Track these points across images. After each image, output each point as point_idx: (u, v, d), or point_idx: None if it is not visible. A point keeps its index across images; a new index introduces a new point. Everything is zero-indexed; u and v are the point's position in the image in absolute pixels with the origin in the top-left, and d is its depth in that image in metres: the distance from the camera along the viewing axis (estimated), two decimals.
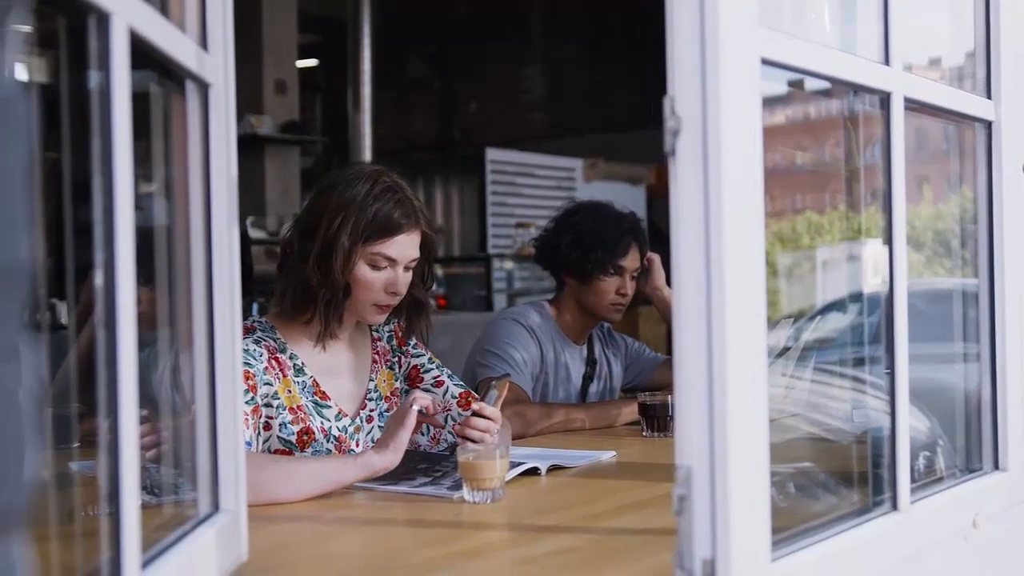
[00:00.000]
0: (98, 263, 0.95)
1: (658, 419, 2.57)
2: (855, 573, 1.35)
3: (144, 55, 1.06)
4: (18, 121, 0.54)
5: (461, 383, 2.35)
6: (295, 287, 2.14)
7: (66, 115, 1.00)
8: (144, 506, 1.02)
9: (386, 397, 2.29)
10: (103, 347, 0.95)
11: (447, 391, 2.30)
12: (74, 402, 1.27)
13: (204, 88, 1.29)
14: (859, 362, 1.82)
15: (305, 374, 2.16)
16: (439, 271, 7.53)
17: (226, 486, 1.33)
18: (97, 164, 0.94)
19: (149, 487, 1.29)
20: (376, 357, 2.30)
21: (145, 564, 1.03)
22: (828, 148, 1.95)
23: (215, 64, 1.30)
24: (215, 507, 1.32)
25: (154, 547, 1.11)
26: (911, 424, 1.50)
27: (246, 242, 6.11)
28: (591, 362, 3.06)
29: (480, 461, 1.80)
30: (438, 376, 2.33)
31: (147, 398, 1.17)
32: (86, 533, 1.22)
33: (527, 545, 1.56)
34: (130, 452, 0.97)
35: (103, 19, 0.94)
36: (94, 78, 0.95)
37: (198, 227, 1.30)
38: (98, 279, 0.95)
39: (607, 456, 2.27)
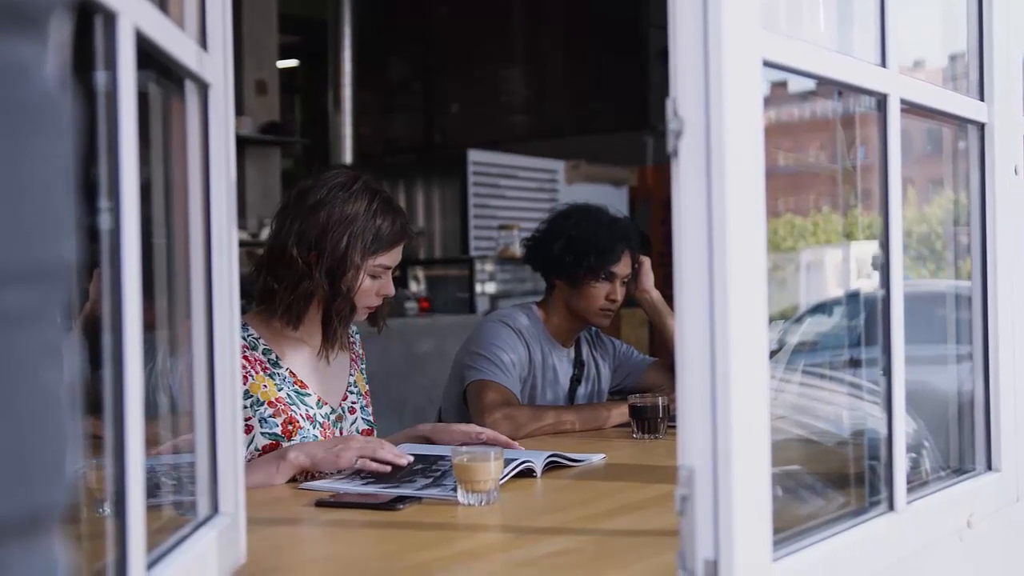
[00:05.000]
0: (104, 262, 0.94)
1: (649, 421, 2.57)
2: (854, 572, 1.36)
3: (144, 54, 1.06)
4: (64, 121, 0.53)
5: (370, 419, 2.40)
6: (299, 300, 2.16)
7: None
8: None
9: (364, 393, 2.38)
10: (109, 349, 0.94)
11: (355, 420, 2.35)
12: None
13: (204, 88, 1.28)
14: (847, 364, 1.83)
15: (281, 367, 2.21)
16: (420, 273, 7.52)
17: (225, 489, 1.32)
18: (104, 163, 0.93)
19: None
20: (353, 356, 2.39)
21: (147, 567, 1.02)
22: (810, 150, 1.96)
23: (215, 64, 1.30)
24: (214, 509, 1.31)
25: (155, 550, 1.10)
26: None
27: None
28: (579, 364, 3.05)
29: (475, 463, 1.80)
30: (364, 403, 2.41)
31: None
32: (84, 535, 1.21)
33: (525, 547, 1.56)
34: (136, 455, 0.96)
35: (110, 18, 0.93)
36: (99, 77, 0.94)
37: (197, 228, 1.29)
38: (104, 279, 0.94)
39: (597, 459, 2.27)
